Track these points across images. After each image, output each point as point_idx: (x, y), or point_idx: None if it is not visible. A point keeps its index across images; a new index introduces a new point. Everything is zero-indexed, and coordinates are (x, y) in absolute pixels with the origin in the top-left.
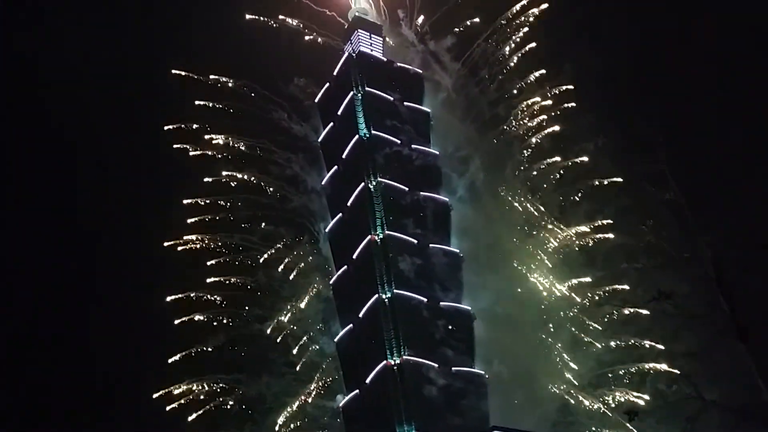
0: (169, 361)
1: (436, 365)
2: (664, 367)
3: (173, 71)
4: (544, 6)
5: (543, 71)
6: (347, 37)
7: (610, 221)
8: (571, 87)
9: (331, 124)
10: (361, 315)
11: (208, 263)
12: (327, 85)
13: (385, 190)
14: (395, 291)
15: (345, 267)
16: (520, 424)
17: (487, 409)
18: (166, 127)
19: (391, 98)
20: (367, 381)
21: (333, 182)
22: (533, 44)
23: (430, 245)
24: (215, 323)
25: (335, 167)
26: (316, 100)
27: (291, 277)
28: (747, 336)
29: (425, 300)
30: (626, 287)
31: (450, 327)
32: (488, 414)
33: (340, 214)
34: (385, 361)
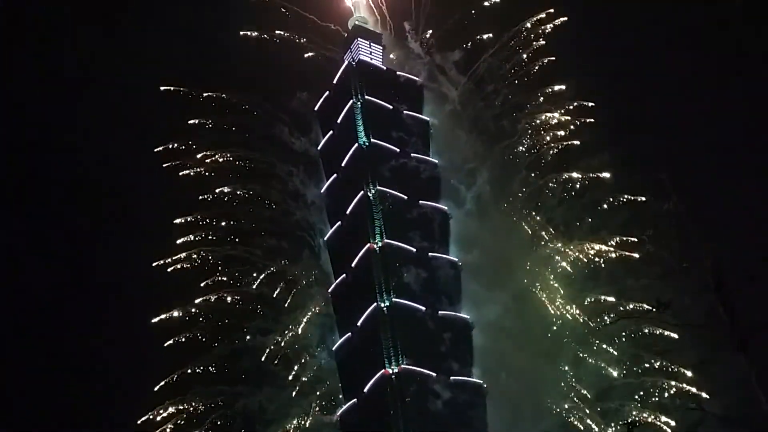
0: (159, 385)
1: (435, 374)
2: (666, 381)
3: (161, 88)
4: (562, 19)
5: (551, 87)
6: (347, 46)
7: (634, 239)
8: (591, 103)
9: (331, 132)
10: (359, 324)
11: (203, 284)
12: (326, 93)
13: (384, 198)
14: (394, 300)
15: (344, 275)
16: None
17: (485, 419)
18: (155, 149)
19: (391, 107)
20: (365, 390)
21: (332, 190)
22: (553, 57)
23: (429, 254)
24: (215, 344)
25: (334, 175)
26: (316, 109)
27: (291, 294)
28: (747, 346)
29: (424, 309)
30: (637, 305)
31: (449, 336)
32: (486, 424)
33: (339, 223)
34: (383, 370)
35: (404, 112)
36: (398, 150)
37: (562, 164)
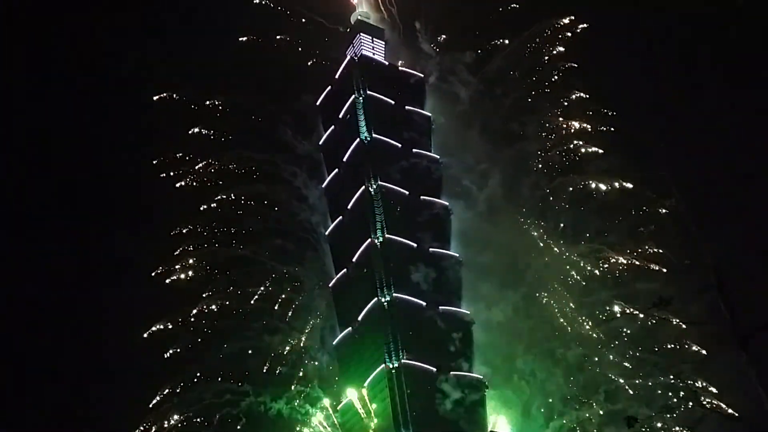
0: (165, 391)
1: (435, 369)
2: (667, 379)
3: (155, 97)
4: (582, 26)
5: (567, 93)
6: (349, 41)
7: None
8: (613, 112)
9: (333, 127)
10: (360, 318)
11: (205, 294)
12: (329, 88)
13: (386, 193)
14: (394, 294)
15: (344, 270)
16: None
17: (485, 414)
18: (154, 161)
19: (393, 102)
20: (365, 385)
21: (333, 185)
22: (575, 64)
23: (430, 249)
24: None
25: (336, 170)
26: (318, 103)
27: (299, 297)
28: (748, 344)
29: (424, 304)
30: (639, 304)
31: (449, 331)
32: (487, 419)
33: (341, 218)
34: (383, 365)
35: (406, 107)
36: (400, 145)
37: (572, 167)
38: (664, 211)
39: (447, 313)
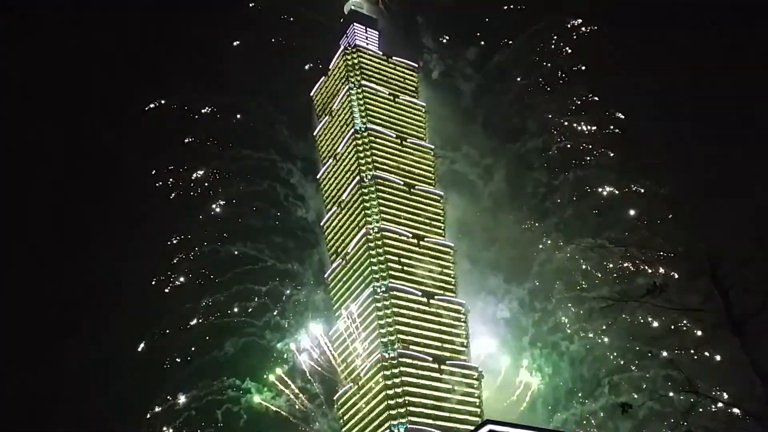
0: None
1: (431, 359)
2: (661, 365)
3: (146, 108)
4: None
5: (572, 92)
6: (343, 31)
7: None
8: (621, 116)
9: (327, 117)
10: (355, 309)
11: (203, 293)
12: (322, 78)
13: (380, 183)
14: (389, 284)
15: (340, 260)
16: None
17: (481, 403)
18: (152, 171)
19: (387, 91)
20: (362, 374)
21: (328, 176)
22: (583, 67)
23: (425, 238)
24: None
25: (330, 161)
26: (311, 94)
27: (300, 299)
28: (742, 330)
29: (419, 293)
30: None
31: (444, 320)
32: (483, 407)
33: (335, 209)
34: (379, 354)
35: (400, 96)
36: (394, 135)
37: (574, 164)
38: (661, 205)
39: (442, 303)
